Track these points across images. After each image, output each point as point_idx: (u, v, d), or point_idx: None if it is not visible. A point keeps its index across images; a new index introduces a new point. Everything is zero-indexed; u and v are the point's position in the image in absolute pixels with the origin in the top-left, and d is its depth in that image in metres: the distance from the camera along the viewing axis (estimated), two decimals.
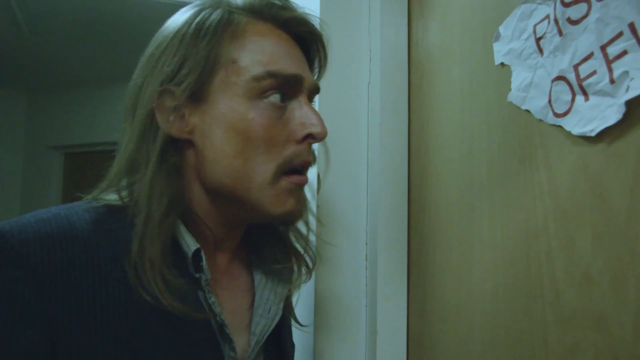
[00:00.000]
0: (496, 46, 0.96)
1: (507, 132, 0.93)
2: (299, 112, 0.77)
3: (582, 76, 0.76)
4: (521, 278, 0.88)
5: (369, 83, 1.31)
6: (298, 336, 1.35)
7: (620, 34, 0.70)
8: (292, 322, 0.97)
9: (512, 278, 0.90)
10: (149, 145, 0.74)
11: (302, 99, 0.79)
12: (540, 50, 0.85)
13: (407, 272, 1.25)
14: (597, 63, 0.73)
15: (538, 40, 0.85)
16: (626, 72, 0.69)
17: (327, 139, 1.27)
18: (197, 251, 0.73)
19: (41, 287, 0.64)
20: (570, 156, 0.79)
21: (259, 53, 0.76)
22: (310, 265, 0.91)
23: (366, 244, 1.29)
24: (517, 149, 0.90)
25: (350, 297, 1.28)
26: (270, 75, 0.74)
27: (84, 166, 4.38)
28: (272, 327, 0.82)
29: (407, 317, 1.25)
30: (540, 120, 0.84)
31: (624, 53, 0.69)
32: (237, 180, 0.74)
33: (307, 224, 0.88)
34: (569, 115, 0.78)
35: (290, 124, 0.77)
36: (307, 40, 0.84)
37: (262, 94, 0.74)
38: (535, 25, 0.86)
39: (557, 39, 0.80)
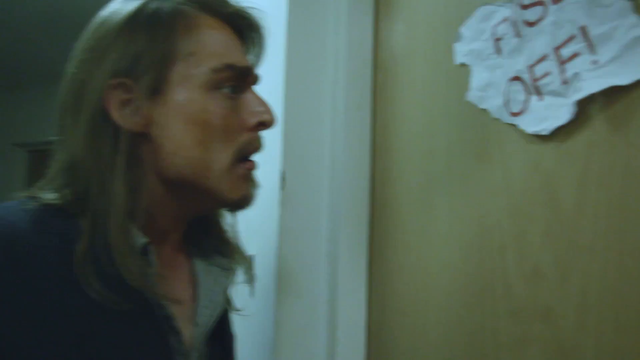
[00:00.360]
0: (457, 46, 0.98)
1: (465, 131, 0.95)
2: (250, 101, 0.80)
3: (536, 77, 0.78)
4: (475, 273, 0.91)
5: (334, 81, 1.33)
6: (257, 330, 1.36)
7: (572, 37, 0.73)
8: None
9: (467, 273, 0.93)
10: (101, 141, 0.73)
11: (251, 89, 0.82)
12: (499, 51, 0.87)
13: (367, 267, 1.27)
14: (551, 64, 0.76)
15: (497, 41, 0.88)
16: (577, 74, 0.72)
17: (291, 136, 1.29)
18: (146, 244, 0.74)
19: None
20: (524, 154, 0.82)
21: (215, 46, 0.77)
22: (248, 258, 0.92)
23: (328, 240, 1.31)
24: (474, 147, 0.92)
25: (311, 292, 1.29)
26: (228, 67, 0.77)
27: (49, 163, 4.31)
28: (216, 317, 0.82)
29: (367, 311, 1.27)
30: (497, 119, 0.87)
31: (576, 55, 0.72)
32: (197, 169, 0.75)
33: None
34: (523, 115, 0.81)
35: (242, 113, 0.79)
36: (246, 32, 0.86)
37: (218, 85, 0.76)
38: (494, 27, 0.89)
39: (515, 40, 0.83)
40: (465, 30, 0.96)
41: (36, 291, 0.67)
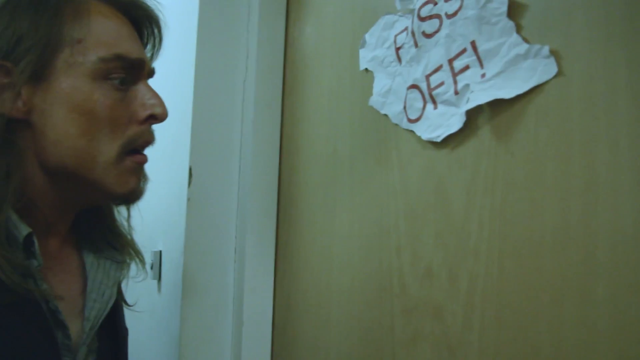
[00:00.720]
0: (362, 52, 1.01)
1: (367, 134, 0.98)
2: (141, 93, 0.78)
3: (432, 86, 0.82)
4: (374, 272, 0.94)
5: (245, 80, 1.33)
6: (163, 327, 1.35)
7: (464, 50, 0.77)
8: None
9: (367, 272, 0.96)
10: None
11: (143, 81, 0.80)
12: (399, 59, 0.91)
13: (274, 266, 1.29)
14: (445, 75, 0.80)
15: (398, 49, 0.91)
16: (467, 85, 0.76)
17: (200, 132, 1.29)
18: (29, 235, 0.71)
19: None
20: (419, 159, 0.86)
21: (105, 35, 0.75)
22: (140, 253, 0.91)
23: (235, 237, 1.31)
24: (375, 150, 0.96)
25: (218, 289, 1.30)
26: (117, 57, 0.74)
27: None
28: (107, 311, 0.81)
29: (273, 308, 1.29)
30: (396, 124, 0.90)
31: (467, 67, 0.76)
32: (81, 160, 0.73)
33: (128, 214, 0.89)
34: (420, 122, 0.85)
35: (132, 105, 0.77)
36: (143, 23, 0.84)
37: (106, 75, 0.74)
38: (395, 36, 0.92)
39: (413, 50, 0.87)
40: (370, 37, 0.99)
41: None
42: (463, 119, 0.77)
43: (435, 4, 0.82)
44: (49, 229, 0.78)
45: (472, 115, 0.76)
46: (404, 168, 0.89)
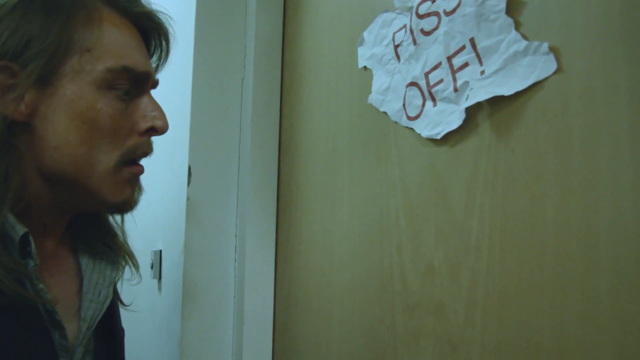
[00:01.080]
0: (360, 50, 1.01)
1: (366, 132, 0.98)
2: (143, 105, 0.78)
3: (431, 83, 0.82)
4: (375, 270, 0.94)
5: (243, 79, 1.33)
6: (164, 326, 1.35)
7: (463, 47, 0.77)
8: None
9: (367, 270, 0.96)
10: None
11: (147, 93, 0.80)
12: (398, 57, 0.91)
13: (274, 264, 1.29)
14: (444, 72, 0.80)
15: (396, 47, 0.91)
16: (467, 82, 0.76)
17: (200, 132, 1.29)
18: (25, 235, 0.70)
19: None
20: (419, 157, 0.86)
21: (114, 45, 0.75)
22: (134, 257, 0.92)
23: (235, 236, 1.31)
24: (375, 148, 0.96)
25: (219, 288, 1.30)
26: (124, 69, 0.74)
27: None
28: (103, 311, 0.81)
29: (274, 307, 1.29)
30: (396, 122, 0.90)
31: (466, 65, 0.76)
32: (79, 167, 0.73)
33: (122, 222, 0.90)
34: (419, 119, 0.85)
35: (133, 116, 0.77)
36: (152, 34, 0.84)
37: (111, 85, 0.74)
38: (394, 33, 0.92)
39: (412, 47, 0.87)
40: (368, 35, 0.99)
41: None
42: (463, 116, 0.77)
43: (434, 1, 0.82)
44: (44, 230, 0.78)
45: (472, 112, 0.76)
46: (404, 165, 0.89)
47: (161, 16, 0.83)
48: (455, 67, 0.78)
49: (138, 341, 1.54)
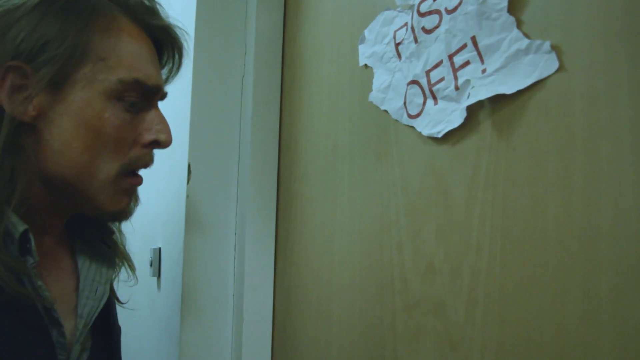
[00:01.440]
0: (361, 48, 1.01)
1: (367, 130, 0.98)
2: (149, 117, 0.79)
3: (432, 82, 0.82)
4: (375, 268, 0.94)
5: (243, 76, 1.33)
6: (163, 323, 1.35)
7: (464, 46, 0.76)
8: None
9: (367, 268, 0.96)
10: None
11: (155, 105, 0.80)
12: (399, 55, 0.90)
13: (274, 262, 1.29)
14: (445, 70, 0.80)
15: (397, 45, 0.91)
16: (468, 81, 0.76)
17: (199, 130, 1.28)
18: (25, 233, 0.70)
19: None
20: (420, 155, 0.86)
21: (129, 56, 0.75)
22: (130, 259, 0.92)
23: (235, 234, 1.31)
24: (375, 146, 0.96)
25: (218, 286, 1.30)
26: (136, 82, 0.75)
27: None
28: (100, 308, 0.81)
29: (273, 305, 1.29)
30: (396, 120, 0.90)
31: (467, 63, 0.76)
32: (80, 174, 0.73)
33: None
34: (420, 117, 0.85)
35: (139, 127, 0.78)
36: (166, 47, 0.84)
37: (120, 96, 0.74)
38: (395, 31, 0.92)
39: (413, 45, 0.86)
40: (369, 33, 0.99)
41: None
42: (464, 114, 0.76)
43: None
44: (44, 228, 0.78)
45: (473, 110, 0.76)
46: (405, 164, 0.89)
47: (178, 31, 0.84)
48: (457, 66, 0.78)
49: (137, 339, 1.54)
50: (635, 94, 0.58)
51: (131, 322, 1.30)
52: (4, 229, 0.69)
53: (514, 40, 0.69)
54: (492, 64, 0.72)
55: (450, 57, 0.79)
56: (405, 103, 0.88)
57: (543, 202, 0.66)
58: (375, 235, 0.94)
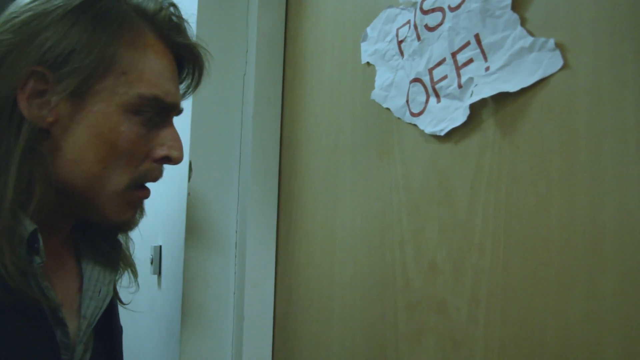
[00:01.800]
0: (363, 46, 1.01)
1: (369, 128, 0.98)
2: (163, 133, 0.79)
3: (435, 79, 0.82)
4: (377, 266, 0.94)
5: (245, 74, 1.33)
6: (164, 322, 1.35)
7: (467, 43, 0.76)
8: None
9: (369, 266, 0.96)
10: (3, 129, 0.69)
11: (170, 122, 0.81)
12: (401, 53, 0.90)
13: (275, 260, 1.29)
14: (448, 68, 0.80)
15: (400, 43, 0.90)
16: (471, 78, 0.75)
17: (201, 128, 1.28)
18: (34, 232, 0.70)
19: None
20: (423, 153, 0.85)
21: (150, 73, 0.75)
22: (133, 265, 0.92)
23: (236, 232, 1.31)
24: (377, 144, 0.95)
25: (219, 284, 1.30)
26: (154, 98, 0.75)
27: None
28: (103, 309, 0.81)
29: (274, 304, 1.29)
30: (399, 118, 0.90)
31: (470, 61, 0.76)
32: (90, 184, 0.74)
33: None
34: (422, 115, 0.84)
35: (152, 142, 0.78)
36: (187, 64, 0.85)
37: (138, 110, 0.74)
38: (397, 29, 0.91)
39: (416, 43, 0.86)
40: (371, 30, 0.98)
41: None
42: (467, 112, 0.76)
43: None
44: (51, 230, 0.78)
45: (476, 108, 0.76)
46: (407, 162, 0.88)
47: (201, 50, 0.85)
48: (460, 63, 0.77)
49: (137, 337, 1.53)
50: None
51: (131, 320, 1.30)
52: (14, 230, 0.69)
53: (518, 37, 0.69)
54: (495, 61, 0.72)
55: (454, 54, 0.79)
56: (407, 101, 0.88)
57: (546, 200, 0.66)
58: (377, 234, 0.94)
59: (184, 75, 0.86)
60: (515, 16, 0.69)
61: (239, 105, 1.33)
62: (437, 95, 0.82)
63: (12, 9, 0.73)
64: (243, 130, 1.32)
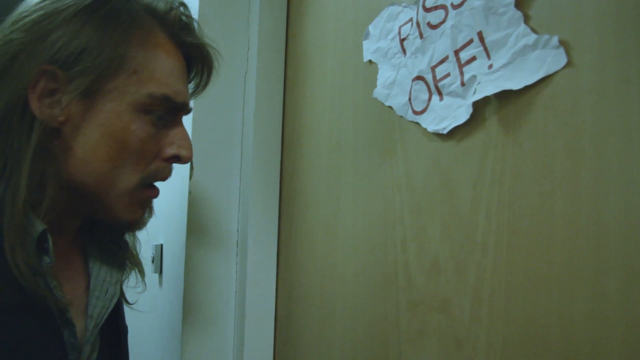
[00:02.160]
0: (365, 44, 1.00)
1: (371, 127, 0.97)
2: (173, 132, 0.79)
3: (437, 77, 0.81)
4: (379, 265, 0.93)
5: (246, 72, 1.32)
6: (165, 320, 1.35)
7: (470, 41, 0.76)
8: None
9: (371, 265, 0.95)
10: (15, 126, 0.69)
11: (179, 121, 0.81)
12: (404, 51, 0.90)
13: (276, 259, 1.28)
14: (451, 66, 0.79)
15: (402, 41, 0.90)
16: (474, 76, 0.75)
17: (202, 126, 1.28)
18: (43, 232, 0.70)
19: None
20: (425, 152, 0.85)
21: (160, 72, 0.75)
22: (140, 264, 0.92)
23: (237, 230, 1.31)
24: (379, 143, 0.95)
25: (220, 282, 1.29)
26: (165, 98, 0.75)
27: None
28: (110, 309, 0.81)
29: (275, 302, 1.28)
30: (401, 116, 0.89)
31: (473, 59, 0.75)
32: (100, 183, 0.74)
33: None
34: (425, 113, 0.84)
35: (162, 141, 0.78)
36: (196, 64, 0.85)
37: (148, 109, 0.74)
38: (400, 27, 0.91)
39: (418, 41, 0.86)
40: (373, 28, 0.98)
41: None
42: (470, 110, 0.76)
43: None
44: (59, 229, 0.78)
45: (479, 106, 0.75)
46: (409, 160, 0.88)
47: (211, 50, 0.85)
48: (463, 61, 0.77)
49: (139, 335, 1.53)
50: None
51: (132, 318, 1.29)
52: (25, 230, 0.69)
53: (521, 35, 0.68)
54: (498, 59, 0.71)
55: (456, 52, 0.78)
56: (410, 99, 0.87)
57: (550, 199, 0.66)
58: (380, 232, 0.94)
59: (193, 74, 0.86)
60: (519, 13, 0.69)
61: (241, 104, 1.33)
62: (440, 93, 0.81)
63: (22, 8, 0.73)
64: (244, 129, 1.32)
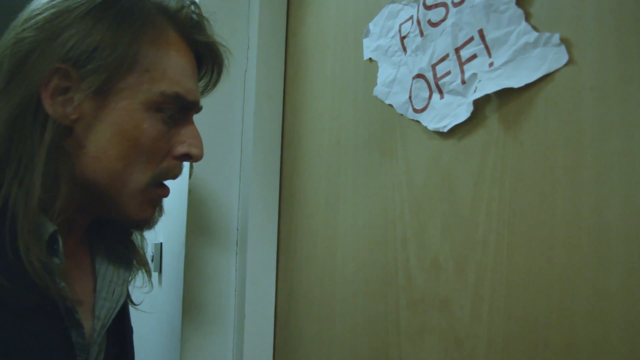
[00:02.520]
0: (366, 42, 1.00)
1: (371, 125, 0.97)
2: (184, 130, 0.79)
3: (438, 75, 0.81)
4: (379, 264, 0.93)
5: (246, 70, 1.32)
6: (165, 319, 1.35)
7: (471, 39, 0.75)
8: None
9: (371, 264, 0.95)
10: (28, 125, 0.68)
11: (190, 119, 0.81)
12: (404, 49, 0.89)
13: (276, 258, 1.28)
14: (452, 64, 0.79)
15: (402, 39, 0.90)
16: (475, 74, 0.75)
17: (201, 125, 1.27)
18: (54, 233, 0.70)
19: None
20: (425, 150, 0.85)
21: (172, 70, 0.75)
22: (147, 264, 0.92)
23: (237, 229, 1.30)
24: (380, 141, 0.95)
25: (220, 281, 1.29)
26: (176, 96, 0.75)
27: None
28: (117, 309, 0.81)
29: (275, 301, 1.28)
30: (401, 115, 0.89)
31: (474, 56, 0.75)
32: (112, 181, 0.73)
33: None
34: (425, 112, 0.84)
35: (173, 139, 0.78)
36: (207, 62, 0.85)
37: (159, 107, 0.74)
38: (400, 25, 0.91)
39: (419, 39, 0.85)
40: (373, 26, 0.97)
41: None
42: (470, 108, 0.75)
43: None
44: (69, 229, 0.78)
45: (480, 104, 0.75)
46: (410, 159, 0.88)
47: (221, 49, 0.85)
48: (463, 59, 0.77)
49: (138, 334, 1.53)
50: None
51: (132, 317, 1.29)
52: (36, 230, 0.69)
53: (522, 33, 0.68)
54: (499, 57, 0.71)
55: (457, 50, 0.78)
56: (410, 97, 0.87)
57: (551, 197, 0.65)
58: (380, 231, 0.93)
59: (203, 72, 0.86)
60: (520, 11, 0.69)
61: (240, 102, 1.32)
62: (441, 91, 0.81)
63: (34, 6, 0.73)
64: (244, 127, 1.31)
